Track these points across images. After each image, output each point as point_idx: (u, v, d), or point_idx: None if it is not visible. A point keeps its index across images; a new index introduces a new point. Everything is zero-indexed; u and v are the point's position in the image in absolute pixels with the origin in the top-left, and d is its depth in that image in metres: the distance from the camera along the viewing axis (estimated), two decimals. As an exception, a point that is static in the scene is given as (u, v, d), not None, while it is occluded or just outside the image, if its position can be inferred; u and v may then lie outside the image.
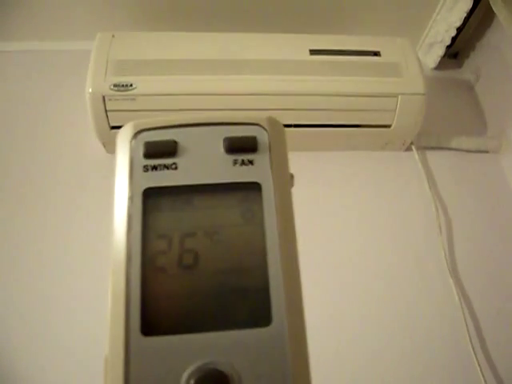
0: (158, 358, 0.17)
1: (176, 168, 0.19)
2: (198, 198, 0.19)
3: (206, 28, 0.74)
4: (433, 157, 0.80)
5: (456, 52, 0.94)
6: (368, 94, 0.69)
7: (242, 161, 0.20)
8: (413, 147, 0.79)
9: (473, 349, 0.63)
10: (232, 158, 0.20)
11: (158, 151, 0.20)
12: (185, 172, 0.20)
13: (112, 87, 0.63)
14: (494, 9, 0.76)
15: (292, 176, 0.20)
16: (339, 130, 0.72)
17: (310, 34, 0.73)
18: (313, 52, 0.70)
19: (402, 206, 0.75)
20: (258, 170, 0.20)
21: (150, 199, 0.19)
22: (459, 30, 0.84)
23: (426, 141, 0.80)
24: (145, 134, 0.20)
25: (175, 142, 0.20)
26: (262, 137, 0.20)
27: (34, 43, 0.85)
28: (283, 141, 0.21)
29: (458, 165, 0.80)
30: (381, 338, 0.64)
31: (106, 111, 0.65)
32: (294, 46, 0.71)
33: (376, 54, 0.72)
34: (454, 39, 0.86)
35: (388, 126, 0.73)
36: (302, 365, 0.17)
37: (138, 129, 0.20)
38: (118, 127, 0.68)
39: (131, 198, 0.19)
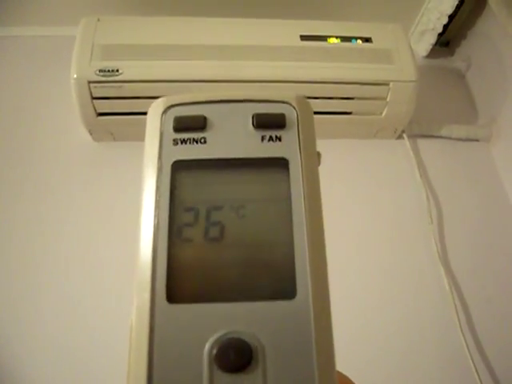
0: (182, 326, 0.17)
1: (205, 142, 0.20)
2: (226, 172, 0.20)
3: (194, 13, 0.72)
4: (424, 145, 0.80)
5: (447, 40, 0.93)
6: (359, 80, 0.68)
7: (270, 137, 0.20)
8: (404, 135, 0.78)
9: (463, 337, 0.63)
10: (260, 133, 0.20)
11: (188, 125, 0.20)
12: (213, 146, 0.20)
13: (97, 72, 0.62)
14: (485, -5, 0.75)
15: (319, 154, 0.21)
16: (329, 117, 0.71)
17: (300, 19, 0.72)
18: (304, 38, 0.69)
19: (392, 194, 0.75)
20: (286, 147, 0.20)
21: (179, 172, 0.19)
22: (451, 17, 0.83)
23: (417, 129, 0.80)
24: (175, 108, 0.20)
25: (205, 118, 0.20)
26: (291, 114, 0.20)
27: (18, 28, 0.82)
28: (311, 119, 0.21)
29: (449, 153, 0.80)
30: (369, 326, 0.64)
31: (91, 97, 0.63)
32: (284, 32, 0.70)
33: (367, 40, 0.71)
34: (445, 27, 0.85)
35: (379, 114, 0.73)
36: (325, 338, 0.17)
37: (169, 104, 0.21)
38: (105, 114, 0.67)
39: (160, 170, 0.19)
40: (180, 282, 0.18)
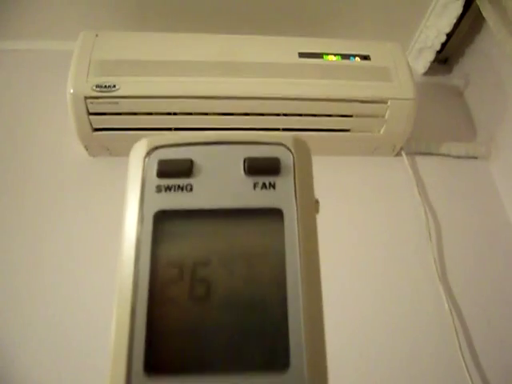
0: None
1: (191, 190, 0.18)
2: (214, 223, 0.18)
3: (191, 29, 0.72)
4: (422, 162, 0.79)
5: (446, 58, 0.93)
6: (357, 98, 0.68)
7: (264, 184, 0.18)
8: (403, 153, 0.78)
9: (462, 356, 0.62)
10: (252, 180, 0.18)
11: (173, 170, 0.18)
12: (200, 194, 0.18)
13: (94, 88, 0.61)
14: (483, 14, 0.76)
15: (317, 202, 0.19)
16: (328, 135, 0.71)
17: (299, 37, 0.72)
18: (302, 55, 0.69)
19: (391, 211, 0.74)
20: (281, 195, 0.18)
21: (162, 223, 0.18)
22: (449, 35, 0.84)
23: (415, 146, 0.79)
24: (160, 151, 0.19)
25: (191, 161, 0.19)
26: (286, 158, 0.19)
27: (15, 42, 0.82)
28: (309, 164, 0.19)
29: (448, 171, 0.80)
30: (369, 343, 0.63)
31: (88, 113, 0.63)
32: (283, 49, 0.70)
33: (366, 57, 0.71)
34: (443, 45, 0.85)
35: (378, 131, 0.72)
36: None
37: (153, 146, 0.19)
38: (101, 129, 0.66)
39: (141, 221, 0.18)
40: (160, 351, 0.16)
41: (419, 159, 0.80)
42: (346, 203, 0.73)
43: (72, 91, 0.62)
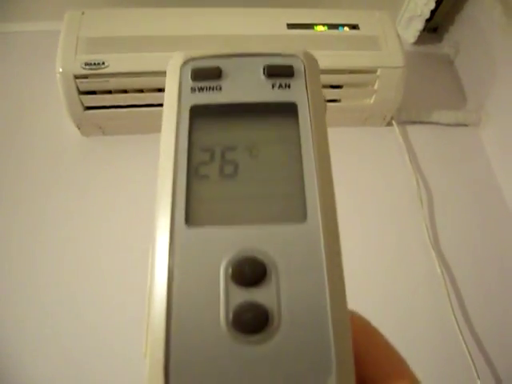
0: (200, 246, 0.19)
1: (220, 89, 0.22)
2: (239, 115, 0.22)
3: (179, 3, 0.71)
4: (413, 131, 0.80)
5: (435, 26, 0.93)
6: (347, 68, 0.68)
7: (280, 84, 0.22)
8: (393, 122, 0.78)
9: (456, 322, 0.64)
10: (271, 81, 0.22)
11: (205, 75, 0.22)
12: (228, 92, 0.22)
13: (83, 66, 0.61)
14: (471, -21, 0.75)
15: (325, 100, 0.23)
16: (318, 106, 0.71)
17: (287, 7, 0.72)
18: (290, 26, 0.69)
19: (383, 180, 0.75)
20: (295, 92, 0.22)
21: (196, 116, 0.21)
22: (438, 3, 0.83)
23: (406, 115, 0.80)
24: (193, 61, 0.23)
25: (220, 68, 0.22)
26: (299, 66, 0.23)
27: (2, 25, 0.81)
28: (317, 70, 0.23)
29: (438, 138, 0.81)
30: (361, 307, 0.65)
31: (78, 91, 0.63)
32: (270, 21, 0.69)
33: (354, 27, 0.71)
34: (432, 13, 0.85)
35: (368, 101, 0.73)
36: (335, 258, 0.19)
37: (188, 57, 0.23)
38: (92, 108, 0.66)
39: (179, 114, 0.21)
40: (197, 209, 0.19)
41: (410, 128, 0.80)
42: (337, 174, 0.74)
43: (61, 70, 0.62)
